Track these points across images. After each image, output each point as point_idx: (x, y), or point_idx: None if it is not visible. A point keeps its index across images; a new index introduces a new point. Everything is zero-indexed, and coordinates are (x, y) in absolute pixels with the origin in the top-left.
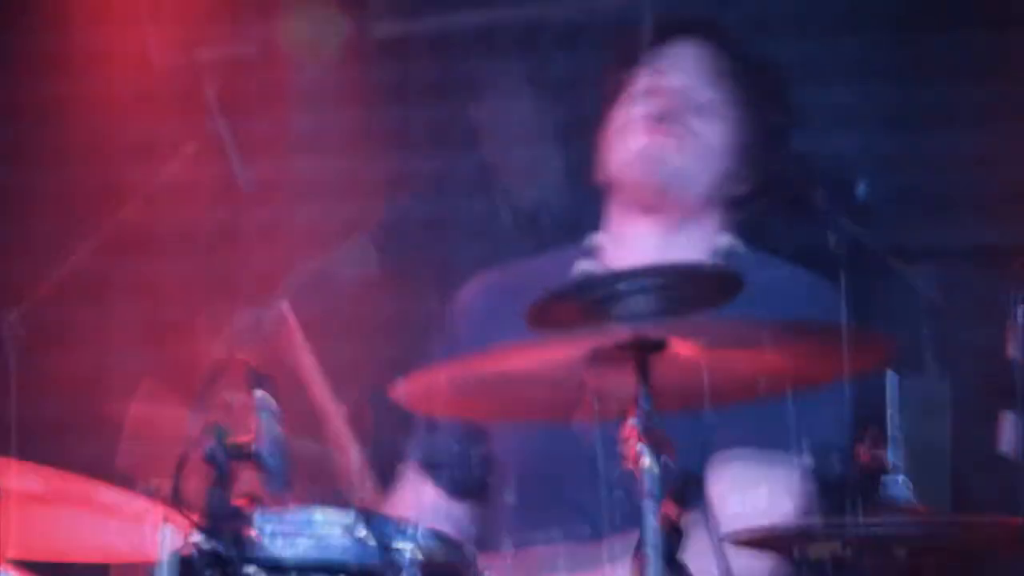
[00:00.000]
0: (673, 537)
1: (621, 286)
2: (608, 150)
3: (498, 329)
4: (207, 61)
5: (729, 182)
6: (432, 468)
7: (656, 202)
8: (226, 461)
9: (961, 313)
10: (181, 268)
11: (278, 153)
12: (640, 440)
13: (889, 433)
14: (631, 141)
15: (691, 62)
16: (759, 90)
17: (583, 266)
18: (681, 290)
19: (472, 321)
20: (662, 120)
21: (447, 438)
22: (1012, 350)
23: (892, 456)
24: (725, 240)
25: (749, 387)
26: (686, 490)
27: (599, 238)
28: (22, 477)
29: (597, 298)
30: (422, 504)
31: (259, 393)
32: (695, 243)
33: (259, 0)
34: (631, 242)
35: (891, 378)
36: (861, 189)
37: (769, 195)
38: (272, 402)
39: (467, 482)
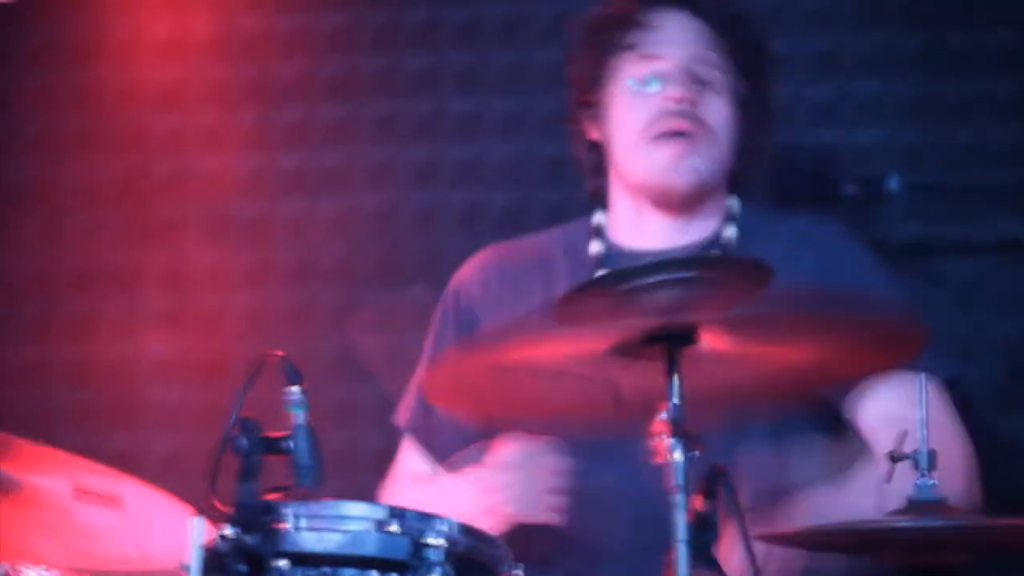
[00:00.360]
0: (704, 531)
1: (651, 277)
2: (626, 148)
3: (516, 304)
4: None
5: (740, 138)
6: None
7: (683, 203)
8: (258, 455)
9: (987, 307)
10: (210, 257)
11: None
12: (670, 434)
13: (919, 434)
14: (646, 151)
15: (687, 34)
16: (746, 44)
17: (595, 247)
18: (711, 279)
19: (485, 294)
20: (674, 116)
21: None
22: None
23: (922, 458)
24: (734, 204)
25: (782, 387)
26: (715, 484)
27: (601, 217)
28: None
29: (625, 289)
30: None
31: (293, 388)
32: (709, 214)
33: None
34: (642, 225)
35: (919, 379)
36: (892, 182)
37: (765, 139)
38: (305, 397)
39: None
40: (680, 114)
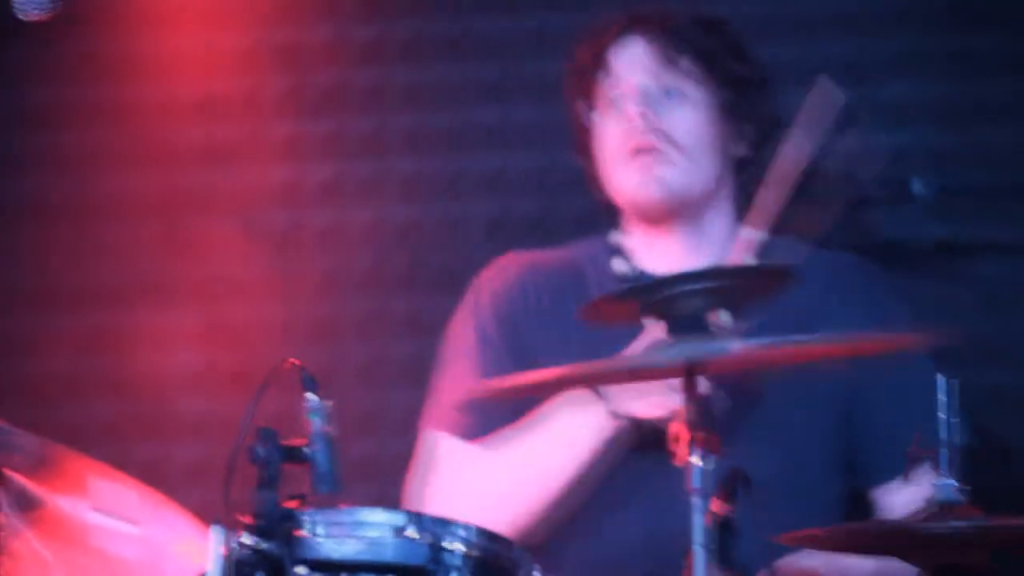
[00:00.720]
0: (724, 535)
1: (678, 288)
2: (603, 171)
3: (558, 318)
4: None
5: (728, 148)
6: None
7: (668, 216)
8: (277, 463)
9: (1011, 307)
10: (239, 270)
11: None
12: (690, 438)
13: (940, 436)
14: (622, 170)
15: (639, 58)
16: (712, 49)
17: (620, 266)
18: (736, 289)
19: (527, 306)
20: (643, 133)
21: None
22: None
23: (944, 460)
24: (749, 232)
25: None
26: (735, 487)
27: (622, 237)
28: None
29: (654, 300)
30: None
31: (311, 396)
32: (719, 235)
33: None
34: (656, 244)
35: (941, 380)
36: (917, 185)
37: (773, 145)
38: (324, 404)
39: None
40: (643, 131)
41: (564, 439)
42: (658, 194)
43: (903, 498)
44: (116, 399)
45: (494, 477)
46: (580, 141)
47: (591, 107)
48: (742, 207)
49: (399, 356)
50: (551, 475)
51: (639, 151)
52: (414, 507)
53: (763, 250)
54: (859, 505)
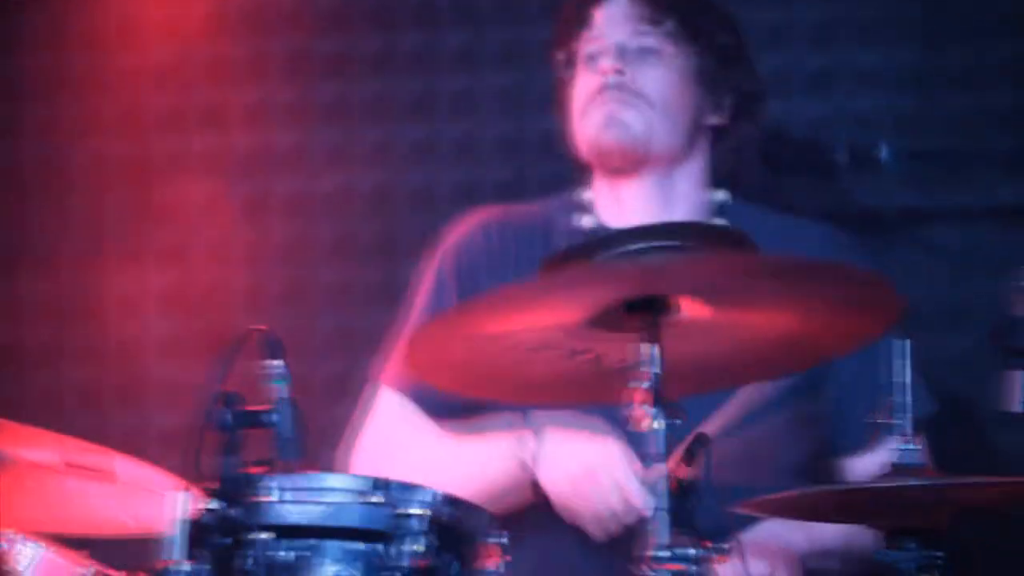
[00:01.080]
0: (686, 499)
1: (633, 243)
2: (572, 127)
3: (520, 272)
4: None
5: (703, 115)
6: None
7: (632, 167)
8: (240, 429)
9: (977, 272)
10: (209, 236)
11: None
12: (650, 403)
13: (899, 398)
14: (588, 116)
15: (622, 16)
16: (699, 16)
17: (587, 221)
18: (693, 247)
19: (489, 260)
20: (610, 87)
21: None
22: (1020, 308)
23: (901, 421)
24: (719, 195)
25: (764, 360)
26: (697, 451)
27: (589, 194)
28: (39, 448)
29: (610, 254)
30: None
31: (274, 361)
32: (684, 198)
33: None
34: (622, 200)
35: (898, 343)
36: (883, 151)
37: (751, 118)
38: (286, 370)
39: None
40: (612, 86)
41: (481, 467)
42: (619, 137)
43: (868, 466)
44: (90, 367)
45: (422, 458)
46: (557, 94)
47: (570, 61)
48: (717, 176)
49: (368, 323)
50: (470, 488)
51: (605, 98)
52: (345, 450)
53: (731, 217)
54: (824, 473)
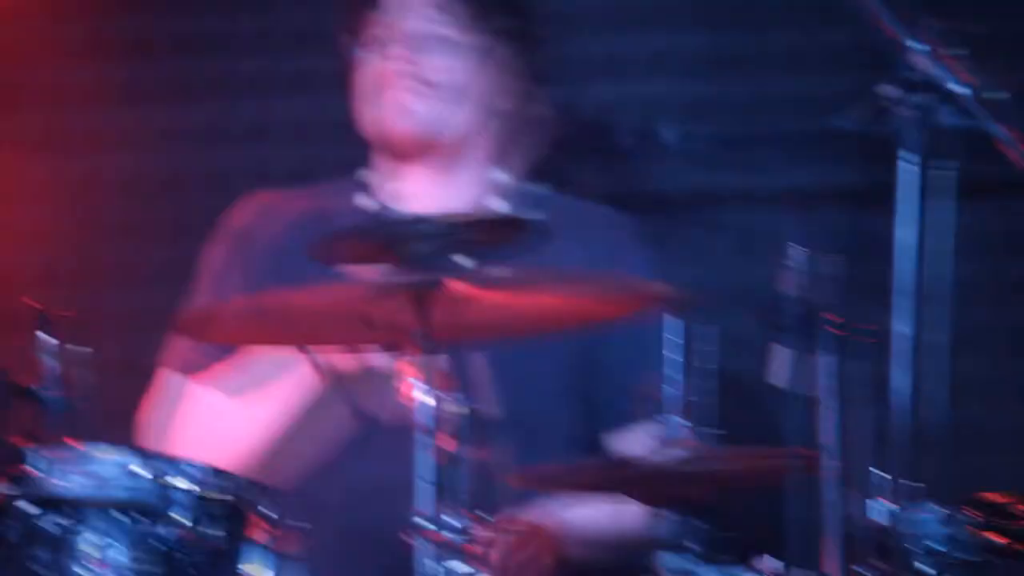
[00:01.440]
0: (455, 473)
1: (410, 229)
2: (359, 107)
3: (290, 257)
4: None
5: (493, 99)
6: None
7: (416, 152)
8: (7, 402)
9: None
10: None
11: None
12: (415, 374)
13: (665, 374)
14: (376, 98)
15: (418, 2)
16: (492, 3)
17: (361, 201)
18: (472, 236)
19: (273, 243)
20: (401, 75)
21: None
22: (784, 286)
23: (668, 396)
24: (502, 177)
25: (530, 325)
26: (469, 425)
27: (371, 175)
28: None
29: (386, 240)
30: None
31: (43, 335)
32: (469, 180)
33: None
34: (402, 182)
35: (668, 320)
36: (667, 133)
37: (540, 101)
38: (53, 342)
39: None
40: (402, 74)
41: (270, 391)
42: (407, 126)
43: (637, 441)
44: None
45: (210, 418)
46: (346, 76)
47: (358, 43)
48: (500, 157)
49: (157, 304)
50: (260, 425)
51: (395, 86)
52: (140, 441)
53: (515, 198)
54: (602, 448)
